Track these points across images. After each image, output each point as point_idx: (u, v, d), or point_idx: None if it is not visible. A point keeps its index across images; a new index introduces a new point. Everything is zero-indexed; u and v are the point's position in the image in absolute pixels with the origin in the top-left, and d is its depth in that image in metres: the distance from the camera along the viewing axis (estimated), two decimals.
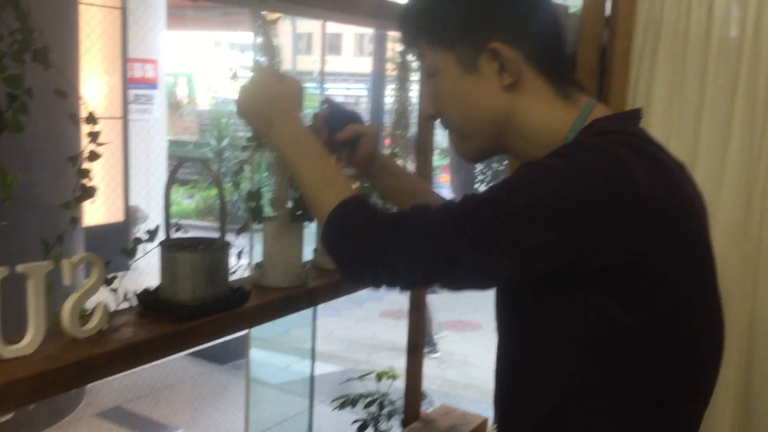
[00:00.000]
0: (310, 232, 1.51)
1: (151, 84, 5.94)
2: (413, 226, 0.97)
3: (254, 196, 1.49)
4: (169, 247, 1.27)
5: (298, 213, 1.46)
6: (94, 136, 1.27)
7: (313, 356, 2.80)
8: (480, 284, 1.01)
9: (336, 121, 1.35)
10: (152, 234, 1.30)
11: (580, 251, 0.92)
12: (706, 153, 1.67)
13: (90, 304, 1.15)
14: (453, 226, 0.94)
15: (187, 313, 1.23)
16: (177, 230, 1.32)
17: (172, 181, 1.32)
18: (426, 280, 1.00)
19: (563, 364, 1.00)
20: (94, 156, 1.26)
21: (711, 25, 1.60)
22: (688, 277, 0.99)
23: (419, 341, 2.26)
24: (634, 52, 1.62)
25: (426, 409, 2.33)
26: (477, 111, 1.08)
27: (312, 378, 2.73)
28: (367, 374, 2.51)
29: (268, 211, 1.48)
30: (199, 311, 1.24)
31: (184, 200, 11.34)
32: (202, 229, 9.97)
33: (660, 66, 1.65)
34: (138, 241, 1.28)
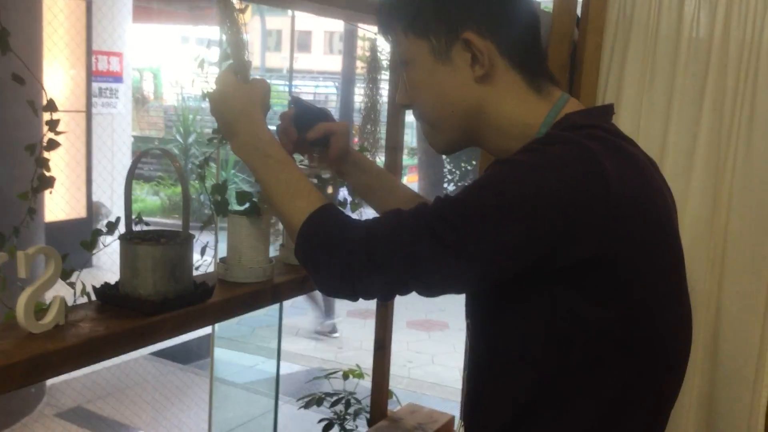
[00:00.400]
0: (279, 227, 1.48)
1: (117, 77, 5.84)
2: (386, 234, 0.96)
3: (219, 189, 1.46)
4: (130, 239, 1.23)
5: (264, 207, 1.43)
6: (53, 125, 1.23)
7: (278, 355, 2.76)
8: (456, 288, 0.99)
9: (305, 120, 1.32)
10: (112, 226, 1.26)
11: (551, 247, 0.91)
12: (674, 150, 1.68)
13: (47, 299, 1.11)
14: (424, 231, 0.92)
15: (148, 309, 1.19)
16: (138, 223, 1.28)
17: (133, 172, 1.28)
18: (403, 288, 0.98)
19: (530, 362, 0.99)
20: (52, 144, 1.23)
21: (681, 25, 1.63)
22: (657, 273, 0.99)
23: (386, 340, 2.24)
24: (604, 49, 1.64)
25: (393, 408, 2.31)
26: (448, 101, 1.07)
27: (278, 377, 2.70)
28: (333, 373, 2.48)
29: (233, 204, 1.45)
30: (160, 307, 1.20)
31: (149, 197, 11.18)
32: (168, 227, 9.81)
33: (630, 63, 1.67)
34: (98, 233, 1.24)
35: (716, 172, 1.71)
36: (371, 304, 1.57)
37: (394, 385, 2.34)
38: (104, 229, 1.27)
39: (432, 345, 6.30)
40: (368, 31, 1.69)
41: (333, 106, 13.20)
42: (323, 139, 1.32)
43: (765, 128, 1.65)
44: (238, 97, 1.17)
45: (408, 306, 6.37)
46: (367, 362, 2.31)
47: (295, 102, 1.34)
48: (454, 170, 10.18)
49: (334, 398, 2.39)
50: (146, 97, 16.99)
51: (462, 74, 1.05)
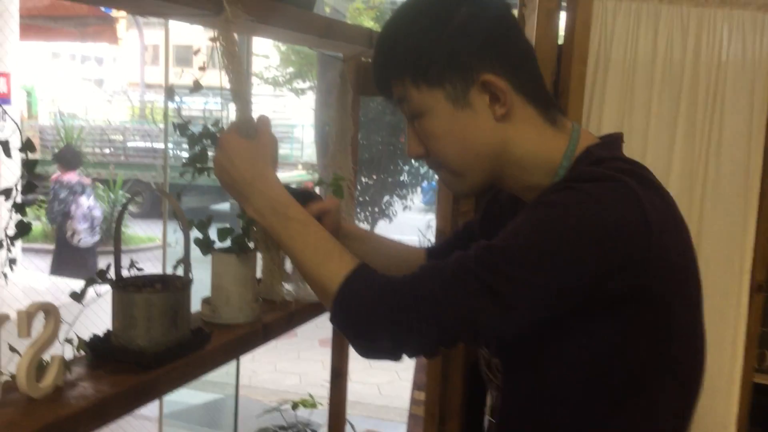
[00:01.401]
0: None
1: (4, 99, 5.45)
2: (431, 289, 0.93)
3: (202, 225, 1.38)
4: (124, 287, 1.14)
5: (250, 243, 1.37)
6: (29, 166, 1.12)
7: (236, 390, 2.63)
8: (509, 335, 0.98)
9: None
10: (103, 274, 1.15)
11: (599, 283, 0.92)
12: (653, 168, 1.78)
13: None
14: (476, 285, 0.91)
15: (149, 361, 1.10)
16: (130, 267, 1.19)
17: (123, 214, 1.19)
18: (453, 341, 0.96)
19: (576, 399, 1.00)
20: (30, 188, 1.12)
21: (656, 52, 1.74)
22: (688, 302, 1.01)
23: (343, 368, 2.19)
24: (587, 77, 1.70)
25: None
26: (473, 146, 1.05)
27: (236, 413, 2.57)
28: (282, 404, 2.41)
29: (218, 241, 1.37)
30: (163, 357, 1.12)
31: (31, 222, 10.51)
32: (51, 253, 9.26)
33: (610, 89, 1.76)
34: (92, 281, 1.14)
35: (690, 187, 1.81)
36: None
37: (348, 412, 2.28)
38: None
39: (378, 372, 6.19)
40: (337, 57, 1.66)
41: (222, 122, 12.88)
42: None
43: (733, 145, 1.80)
44: (247, 158, 1.11)
45: (318, 324, 6.28)
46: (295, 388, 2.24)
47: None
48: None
49: (288, 430, 2.32)
50: (21, 117, 16.03)
51: (483, 116, 1.04)
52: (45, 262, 7.49)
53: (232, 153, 1.11)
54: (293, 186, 1.32)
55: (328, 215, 1.28)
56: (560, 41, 1.74)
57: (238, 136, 1.13)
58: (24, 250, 8.25)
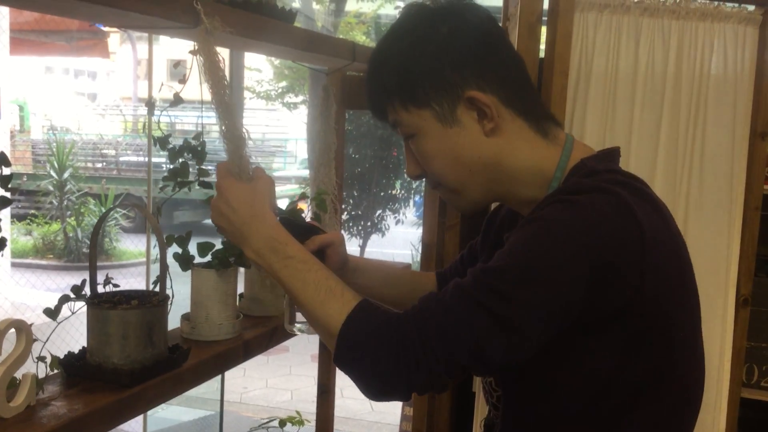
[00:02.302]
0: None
1: None
2: (438, 324, 0.91)
3: (181, 241, 1.36)
4: (99, 304, 1.12)
5: (231, 259, 1.35)
6: (4, 181, 1.11)
7: (221, 406, 2.59)
8: (517, 360, 0.95)
9: (297, 238, 1.21)
10: (78, 289, 1.14)
11: (598, 295, 0.91)
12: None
13: None
14: (477, 311, 0.90)
15: (125, 380, 1.08)
16: (106, 284, 1.18)
17: (98, 230, 1.18)
18: (462, 372, 0.94)
19: (572, 414, 0.99)
20: (5, 202, 1.10)
21: (637, 65, 1.74)
22: (685, 314, 1.01)
23: (330, 384, 2.18)
24: (569, 90, 1.70)
25: None
26: (466, 162, 1.05)
27: (221, 430, 2.52)
28: (269, 421, 2.38)
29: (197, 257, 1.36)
30: (139, 376, 1.10)
31: (21, 237, 10.47)
32: (43, 268, 9.22)
33: (592, 102, 1.76)
34: (65, 299, 1.13)
35: (673, 200, 1.82)
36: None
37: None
38: None
39: (339, 378, 6.16)
40: (321, 70, 1.65)
41: (216, 136, 12.89)
42: (319, 252, 1.25)
43: (716, 157, 1.81)
44: (244, 200, 1.09)
45: (310, 339, 6.25)
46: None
47: (285, 222, 1.26)
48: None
49: None
50: (12, 131, 16.01)
51: (472, 132, 1.04)
52: (37, 278, 7.45)
53: (229, 197, 1.09)
54: (293, 218, 1.30)
55: (332, 248, 1.26)
56: (542, 54, 1.75)
57: (233, 180, 1.11)
58: (14, 265, 8.21)
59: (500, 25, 2.06)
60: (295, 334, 1.43)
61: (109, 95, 26.31)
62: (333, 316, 0.98)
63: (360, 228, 8.50)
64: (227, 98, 1.14)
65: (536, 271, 0.90)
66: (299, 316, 1.40)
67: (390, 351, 0.92)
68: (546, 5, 1.75)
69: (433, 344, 0.90)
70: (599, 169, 1.00)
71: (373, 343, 0.94)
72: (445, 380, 0.94)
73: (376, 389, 0.96)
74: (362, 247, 8.36)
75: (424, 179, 1.15)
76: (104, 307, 1.11)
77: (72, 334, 1.79)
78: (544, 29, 1.73)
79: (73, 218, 10.20)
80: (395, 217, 8.87)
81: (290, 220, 1.25)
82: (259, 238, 1.07)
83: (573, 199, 0.93)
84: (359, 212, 8.53)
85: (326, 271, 1.04)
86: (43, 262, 9.81)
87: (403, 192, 9.12)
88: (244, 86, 8.18)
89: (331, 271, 1.05)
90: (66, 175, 10.51)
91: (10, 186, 1.13)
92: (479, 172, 1.05)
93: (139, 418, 3.02)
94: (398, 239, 9.04)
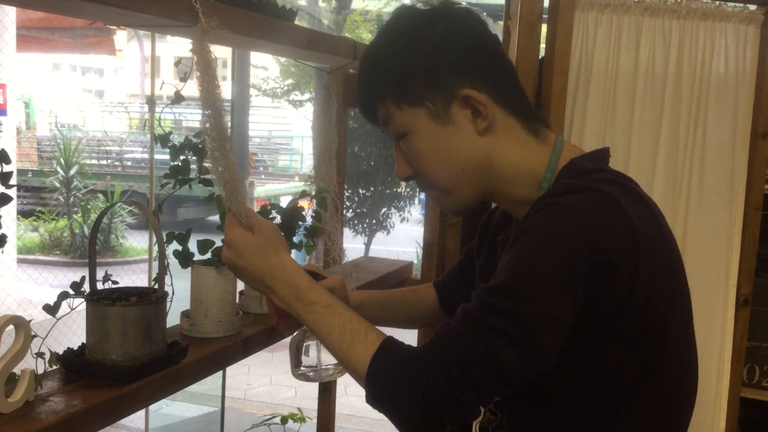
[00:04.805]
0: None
1: (0, 110, 5.44)
2: (453, 352, 0.92)
3: (181, 238, 1.37)
4: (98, 300, 1.13)
5: None
6: (5, 178, 1.12)
7: (222, 403, 2.60)
8: (541, 371, 0.95)
9: None
10: (76, 286, 1.15)
11: (595, 296, 0.91)
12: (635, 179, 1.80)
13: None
14: (487, 334, 0.90)
15: (124, 376, 1.09)
16: (105, 280, 1.18)
17: (98, 226, 1.19)
18: (490, 397, 0.95)
19: (568, 416, 0.99)
20: (5, 199, 1.11)
21: (638, 64, 1.74)
22: (677, 312, 1.01)
23: (331, 381, 2.18)
24: (569, 89, 1.71)
25: None
26: (458, 161, 1.05)
27: (222, 427, 2.53)
28: (271, 418, 2.39)
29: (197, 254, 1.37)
30: (137, 372, 1.11)
31: (27, 233, 10.50)
32: (50, 264, 9.26)
33: (592, 101, 1.76)
34: (64, 295, 1.13)
35: (674, 199, 1.81)
36: None
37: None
38: None
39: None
40: (323, 68, 1.65)
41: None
42: None
43: (716, 157, 1.81)
44: (258, 250, 1.10)
45: None
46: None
47: None
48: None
49: None
50: (18, 128, 16.06)
51: (466, 131, 1.04)
52: (41, 274, 7.48)
53: (242, 250, 1.10)
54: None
55: (333, 293, 1.23)
56: (542, 53, 1.75)
57: (241, 230, 1.11)
58: (20, 261, 8.24)
59: (502, 23, 2.08)
60: (302, 381, 1.45)
61: (117, 92, 26.38)
62: (360, 360, 1.00)
63: (365, 226, 8.50)
64: (215, 98, 1.14)
65: (536, 284, 0.90)
66: (305, 360, 1.44)
67: (417, 389, 0.93)
68: (546, 4, 1.75)
69: (455, 375, 0.91)
70: (589, 169, 1.01)
71: (400, 383, 0.95)
72: (475, 408, 0.95)
73: (411, 425, 0.97)
74: (367, 245, 8.37)
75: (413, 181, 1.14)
76: (103, 303, 1.12)
77: (74, 331, 1.80)
78: (544, 28, 1.73)
79: (79, 215, 10.24)
80: (400, 215, 8.87)
81: None
82: (282, 286, 1.08)
83: (561, 202, 0.94)
84: (364, 210, 8.53)
85: (350, 313, 1.06)
86: (50, 258, 9.85)
87: (408, 190, 9.11)
88: (250, 84, 8.19)
89: (353, 312, 1.06)
90: (72, 171, 10.54)
91: (12, 183, 1.13)
92: (471, 171, 1.06)
93: (142, 415, 3.05)
94: (403, 237, 9.03)
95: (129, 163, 12.93)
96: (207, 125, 1.14)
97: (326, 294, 1.08)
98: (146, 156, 12.47)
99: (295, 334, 1.41)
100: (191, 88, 1.29)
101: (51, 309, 1.12)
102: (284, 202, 1.49)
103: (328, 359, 1.42)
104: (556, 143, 1.07)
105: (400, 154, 1.10)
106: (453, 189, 1.08)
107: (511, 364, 0.90)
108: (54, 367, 1.12)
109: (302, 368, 1.43)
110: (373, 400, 0.99)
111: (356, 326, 1.03)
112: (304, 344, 1.43)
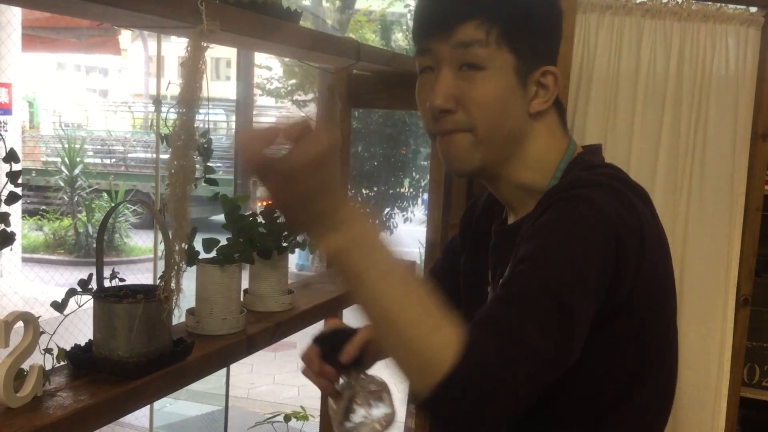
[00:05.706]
0: None
1: (5, 109, 5.47)
2: (494, 358, 0.82)
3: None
4: (105, 297, 1.15)
5: (236, 255, 1.38)
6: (14, 177, 1.13)
7: (226, 401, 2.62)
8: (575, 355, 0.90)
9: (334, 349, 1.17)
10: (84, 284, 1.16)
11: (611, 289, 0.91)
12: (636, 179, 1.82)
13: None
14: (530, 326, 0.84)
15: (131, 372, 1.11)
16: (112, 278, 1.20)
17: (105, 225, 1.21)
18: (540, 385, 0.87)
19: (556, 416, 1.00)
20: (14, 198, 1.13)
21: (639, 66, 1.75)
22: (669, 306, 1.02)
23: None
24: (570, 91, 1.72)
25: None
26: (507, 124, 1.01)
27: (226, 425, 2.55)
28: (274, 416, 2.41)
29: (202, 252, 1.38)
30: (144, 368, 1.12)
31: (32, 232, 10.54)
32: (54, 263, 9.28)
33: (593, 103, 1.77)
34: (72, 292, 1.15)
35: (674, 200, 1.83)
36: None
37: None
38: None
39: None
40: (327, 69, 1.67)
41: (222, 134, 12.96)
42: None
43: (717, 158, 1.82)
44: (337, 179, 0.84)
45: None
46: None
47: (318, 340, 1.22)
48: None
49: None
50: (22, 127, 16.11)
51: (524, 103, 1.02)
52: (47, 273, 7.51)
53: (325, 163, 0.81)
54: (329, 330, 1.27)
55: (370, 344, 1.14)
56: None
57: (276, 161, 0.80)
58: (25, 260, 8.28)
59: None
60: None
61: (121, 92, 26.42)
62: (445, 343, 0.82)
63: None
64: (193, 100, 1.14)
65: (555, 280, 0.87)
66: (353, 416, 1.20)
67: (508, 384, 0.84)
68: None
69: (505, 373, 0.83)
70: (595, 163, 1.03)
71: (494, 375, 0.83)
72: (530, 397, 0.87)
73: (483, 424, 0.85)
74: None
75: (430, 123, 1.04)
76: (110, 300, 1.13)
77: (80, 328, 1.82)
78: None
79: (83, 214, 10.27)
80: (403, 215, 8.89)
81: (323, 334, 1.23)
82: (357, 226, 0.87)
83: (584, 195, 0.93)
84: (367, 210, 8.55)
85: (432, 301, 0.85)
86: (54, 257, 9.88)
87: (411, 190, 9.13)
88: (254, 83, 8.21)
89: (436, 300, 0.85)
90: (77, 171, 10.57)
91: (19, 182, 1.15)
92: (511, 139, 1.03)
93: (146, 413, 3.07)
94: (406, 237, 9.04)
95: (132, 163, 12.96)
96: (178, 122, 1.16)
97: (405, 266, 0.87)
98: (149, 155, 12.50)
99: (341, 382, 1.19)
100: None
101: (59, 306, 1.14)
102: None
103: (377, 412, 1.19)
104: (572, 138, 1.10)
105: (449, 81, 1.00)
106: (485, 144, 1.01)
107: (549, 351, 0.85)
108: (62, 363, 1.14)
109: (349, 423, 1.19)
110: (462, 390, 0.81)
111: (436, 311, 0.84)
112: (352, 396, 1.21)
